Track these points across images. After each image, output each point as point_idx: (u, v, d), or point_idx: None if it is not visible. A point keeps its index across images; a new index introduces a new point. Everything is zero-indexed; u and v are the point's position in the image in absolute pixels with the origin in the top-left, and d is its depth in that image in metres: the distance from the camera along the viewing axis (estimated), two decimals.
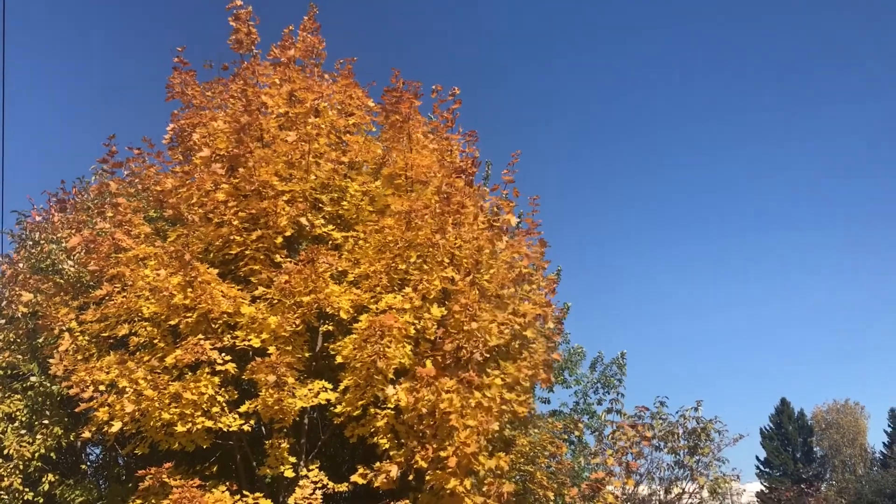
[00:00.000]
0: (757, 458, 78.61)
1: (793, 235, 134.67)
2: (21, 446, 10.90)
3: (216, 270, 9.85)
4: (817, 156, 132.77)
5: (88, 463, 12.71)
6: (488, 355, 10.06)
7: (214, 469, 10.11)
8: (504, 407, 9.72)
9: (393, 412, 9.38)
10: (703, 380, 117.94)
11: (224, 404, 9.32)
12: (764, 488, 55.70)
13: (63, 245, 11.87)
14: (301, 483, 9.32)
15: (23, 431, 11.11)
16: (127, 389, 9.05)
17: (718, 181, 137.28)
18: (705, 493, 16.51)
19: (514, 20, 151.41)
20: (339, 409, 9.37)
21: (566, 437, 16.01)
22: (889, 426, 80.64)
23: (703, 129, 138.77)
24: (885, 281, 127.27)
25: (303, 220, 10.38)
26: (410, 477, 9.25)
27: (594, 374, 19.34)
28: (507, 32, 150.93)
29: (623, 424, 16.01)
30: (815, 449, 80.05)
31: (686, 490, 16.17)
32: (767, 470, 75.85)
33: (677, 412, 16.69)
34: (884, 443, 78.97)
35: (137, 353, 9.73)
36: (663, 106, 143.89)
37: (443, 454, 8.95)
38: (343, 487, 9.48)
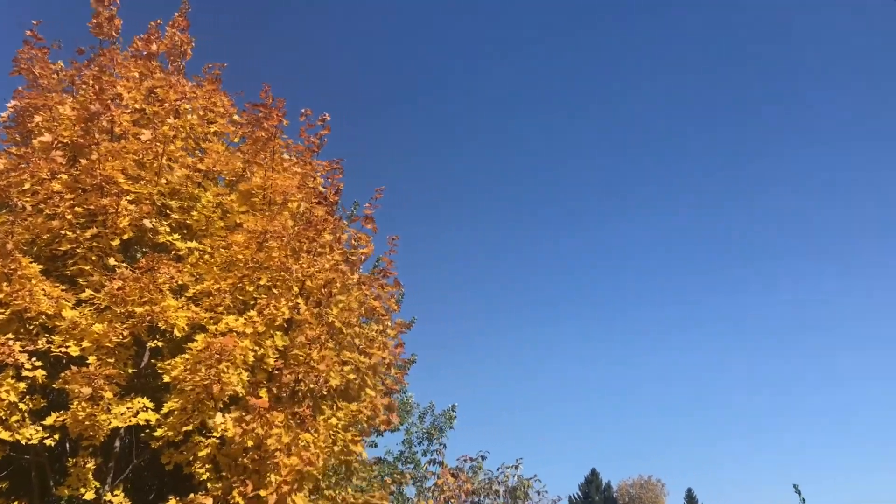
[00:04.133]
0: None
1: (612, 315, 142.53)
2: None
3: (40, 266, 8.87)
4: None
5: None
6: (326, 393, 9.65)
7: (5, 485, 8.96)
8: (336, 448, 9.32)
9: (218, 442, 8.70)
10: (526, 441, 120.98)
11: (26, 414, 8.31)
12: None
13: None
14: None
15: None
16: None
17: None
18: None
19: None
20: (159, 432, 8.52)
21: (392, 488, 15.66)
22: None
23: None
24: (688, 368, 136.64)
25: (147, 223, 9.57)
26: None
27: (423, 424, 19.26)
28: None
29: (444, 473, 15.88)
30: None
31: None
32: None
33: (498, 469, 16.84)
34: None
35: None
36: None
37: (262, 492, 8.41)
38: None
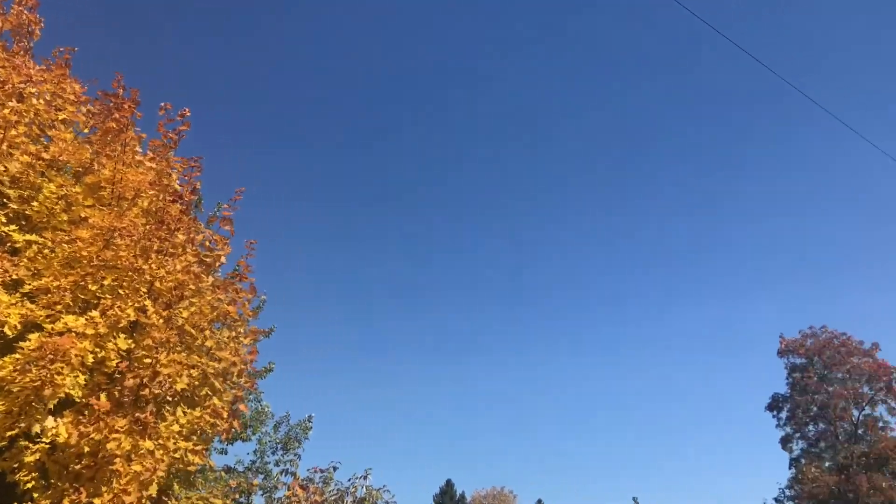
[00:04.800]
0: None
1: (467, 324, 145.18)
2: None
3: None
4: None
5: None
6: (171, 398, 9.27)
7: None
8: (176, 455, 8.96)
9: (48, 447, 8.17)
10: (383, 451, 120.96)
11: None
12: None
13: None
14: None
15: None
16: None
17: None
18: None
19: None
20: None
21: (237, 496, 15.20)
22: None
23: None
24: (543, 380, 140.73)
25: None
26: None
27: (277, 433, 18.87)
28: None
29: (294, 485, 15.60)
30: None
31: None
32: None
33: (349, 479, 16.65)
34: None
35: None
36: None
37: (96, 501, 7.98)
38: None
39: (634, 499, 19.67)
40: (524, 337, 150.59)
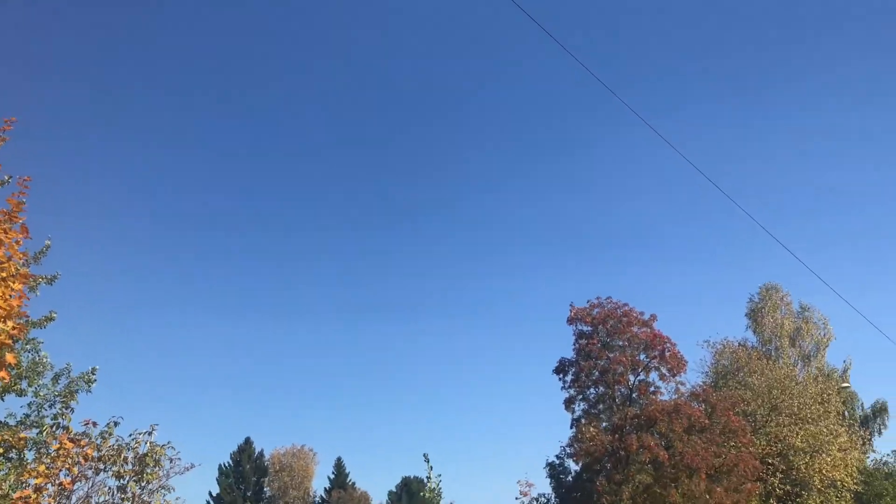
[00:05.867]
0: (210, 493, 79.80)
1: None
2: None
3: None
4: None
5: None
6: None
7: None
8: None
9: None
10: (180, 410, 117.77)
11: None
12: None
13: None
14: None
15: None
16: None
17: None
18: None
19: None
20: None
21: (2, 451, 14.24)
22: (333, 473, 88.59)
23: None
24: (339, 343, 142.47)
25: None
26: None
27: (56, 386, 17.80)
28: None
29: (63, 438, 14.77)
30: (265, 489, 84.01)
31: None
32: None
33: (130, 435, 16.04)
34: (325, 488, 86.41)
35: None
36: None
37: None
38: None
39: (425, 455, 20.34)
40: (325, 298, 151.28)
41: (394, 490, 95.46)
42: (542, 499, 34.77)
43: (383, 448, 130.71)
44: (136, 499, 15.28)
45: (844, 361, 56.25)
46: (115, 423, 16.17)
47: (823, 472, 36.39)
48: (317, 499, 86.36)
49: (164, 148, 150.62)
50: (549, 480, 35.47)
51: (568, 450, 33.36)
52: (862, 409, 58.04)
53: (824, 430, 37.78)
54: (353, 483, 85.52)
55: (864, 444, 45.67)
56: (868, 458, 47.22)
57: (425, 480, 21.04)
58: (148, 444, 15.85)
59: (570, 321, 34.31)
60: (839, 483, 37.19)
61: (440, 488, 20.78)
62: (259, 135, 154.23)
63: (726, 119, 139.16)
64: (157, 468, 15.45)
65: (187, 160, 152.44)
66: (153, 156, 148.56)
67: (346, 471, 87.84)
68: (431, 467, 20.55)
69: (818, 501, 36.74)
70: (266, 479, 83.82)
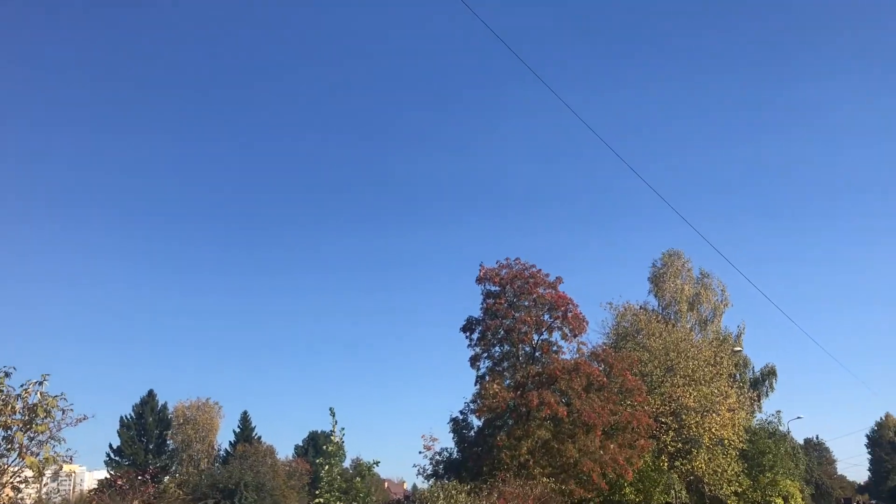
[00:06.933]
0: (110, 445, 78.19)
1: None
2: None
3: None
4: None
5: None
6: None
7: None
8: None
9: None
10: (83, 362, 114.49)
11: None
12: (109, 476, 55.48)
13: None
14: None
15: None
16: None
17: None
18: (29, 473, 15.54)
19: None
20: None
21: None
22: (239, 427, 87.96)
23: None
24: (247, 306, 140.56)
25: None
26: None
27: None
28: None
29: None
30: (168, 442, 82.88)
31: (9, 468, 14.99)
32: (118, 458, 75.89)
33: (21, 385, 15.50)
34: (230, 441, 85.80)
35: None
36: None
37: None
38: None
39: (331, 409, 20.47)
40: (234, 252, 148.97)
41: (300, 444, 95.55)
42: (445, 453, 35.37)
43: (292, 404, 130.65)
44: (24, 449, 14.81)
45: (738, 326, 59.04)
46: (7, 374, 15.57)
47: (713, 430, 38.27)
48: (221, 452, 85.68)
49: None
50: (452, 435, 36.07)
51: (471, 406, 33.91)
52: (753, 373, 61.17)
53: (715, 391, 39.69)
54: (259, 437, 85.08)
55: (752, 404, 48.09)
56: (755, 417, 49.75)
57: (330, 435, 21.09)
58: (38, 394, 15.35)
59: (479, 281, 34.66)
60: (726, 441, 39.20)
61: (343, 441, 20.91)
62: None
63: (637, 92, 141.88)
64: (48, 419, 14.99)
65: None
66: None
67: (252, 425, 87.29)
68: (336, 421, 20.64)
69: (706, 458, 38.68)
70: (169, 431, 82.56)
